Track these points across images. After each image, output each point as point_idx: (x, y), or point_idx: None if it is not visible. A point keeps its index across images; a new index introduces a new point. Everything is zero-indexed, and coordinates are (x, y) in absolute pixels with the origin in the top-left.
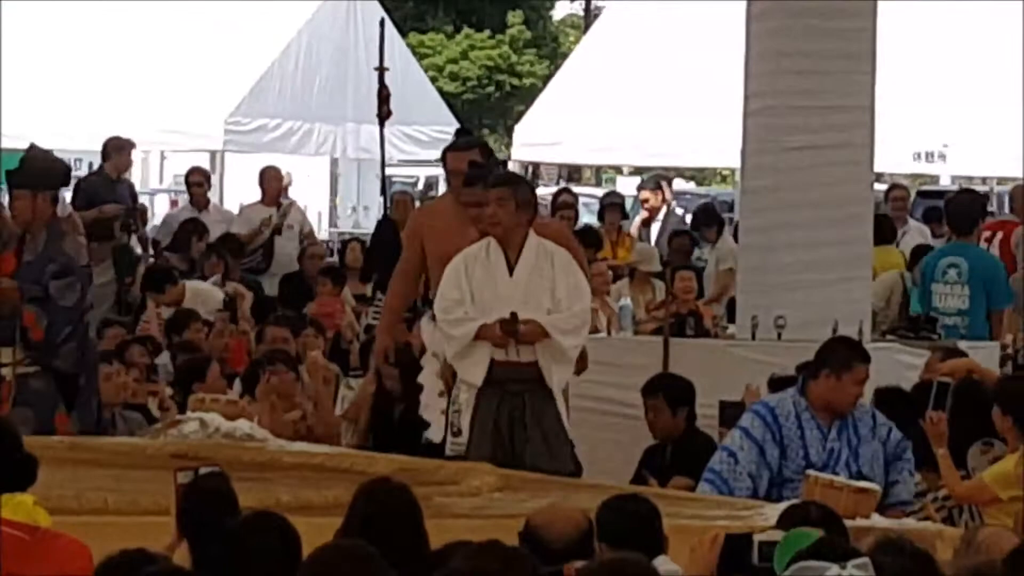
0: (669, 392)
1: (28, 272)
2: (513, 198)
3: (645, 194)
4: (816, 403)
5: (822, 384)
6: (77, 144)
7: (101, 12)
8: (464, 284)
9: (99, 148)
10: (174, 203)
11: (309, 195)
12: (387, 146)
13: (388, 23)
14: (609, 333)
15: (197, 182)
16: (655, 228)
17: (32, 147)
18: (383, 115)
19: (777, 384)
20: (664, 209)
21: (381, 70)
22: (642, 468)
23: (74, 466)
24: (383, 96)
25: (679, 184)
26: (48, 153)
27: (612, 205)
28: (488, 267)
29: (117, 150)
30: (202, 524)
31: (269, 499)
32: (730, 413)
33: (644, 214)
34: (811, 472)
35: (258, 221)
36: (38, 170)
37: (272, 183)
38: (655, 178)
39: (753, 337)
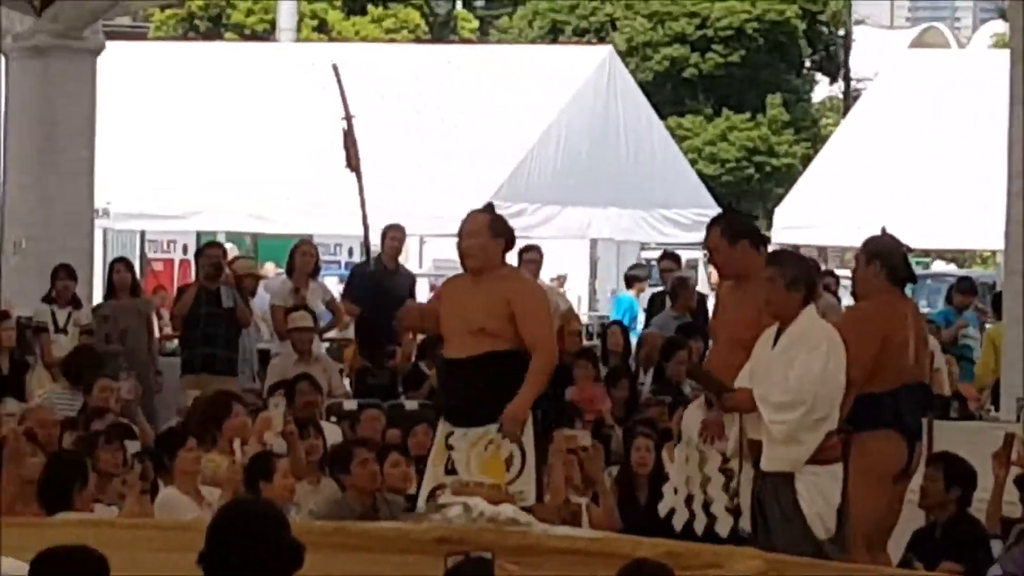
0: (949, 467)
1: None
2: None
3: None
4: None
5: None
6: (346, 230)
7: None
8: None
9: (359, 234)
10: (433, 287)
11: (569, 279)
12: (648, 228)
13: (342, 71)
14: None
15: None
16: None
17: None
18: (351, 165)
19: None
20: None
21: (348, 118)
22: (908, 551)
23: (337, 550)
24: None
25: (939, 266)
26: None
27: None
28: None
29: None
30: None
31: None
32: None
33: None
34: None
35: None
36: None
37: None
38: None
39: (1018, 419)
